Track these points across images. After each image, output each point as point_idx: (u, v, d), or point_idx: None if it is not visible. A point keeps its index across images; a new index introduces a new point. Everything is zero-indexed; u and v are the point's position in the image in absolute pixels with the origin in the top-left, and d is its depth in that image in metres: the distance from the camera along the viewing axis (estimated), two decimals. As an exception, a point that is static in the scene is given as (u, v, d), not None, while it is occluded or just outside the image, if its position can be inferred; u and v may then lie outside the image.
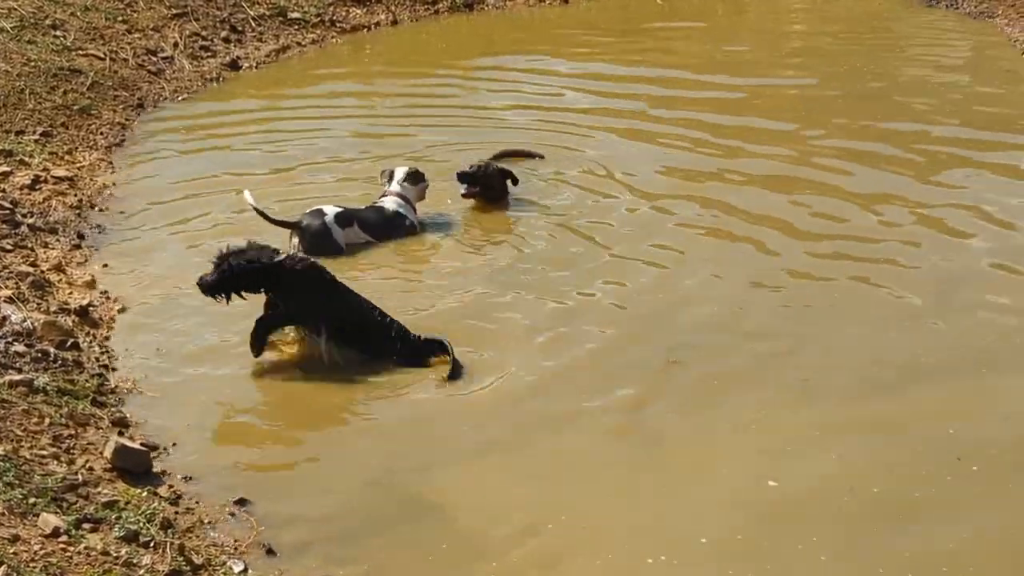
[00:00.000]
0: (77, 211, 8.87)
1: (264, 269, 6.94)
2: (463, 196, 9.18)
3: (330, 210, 8.43)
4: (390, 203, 8.72)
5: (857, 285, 7.94)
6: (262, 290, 7.02)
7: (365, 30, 14.54)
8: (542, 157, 10.25)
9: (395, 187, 8.78)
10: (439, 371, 6.89)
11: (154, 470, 5.89)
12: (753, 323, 7.49)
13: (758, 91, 12.38)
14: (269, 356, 7.02)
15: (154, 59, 12.40)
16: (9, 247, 7.89)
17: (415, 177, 8.87)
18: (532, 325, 7.43)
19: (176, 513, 5.56)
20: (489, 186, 9.18)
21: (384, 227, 8.62)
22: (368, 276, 8.11)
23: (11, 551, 4.81)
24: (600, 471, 6.05)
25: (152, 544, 5.21)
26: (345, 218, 8.46)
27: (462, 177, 9.13)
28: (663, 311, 7.65)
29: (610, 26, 15.00)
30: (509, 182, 9.28)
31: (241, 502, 5.70)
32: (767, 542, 5.48)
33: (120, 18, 12.76)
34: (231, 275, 6.93)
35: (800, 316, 7.59)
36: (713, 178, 9.81)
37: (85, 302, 7.47)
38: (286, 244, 8.26)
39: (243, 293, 7.04)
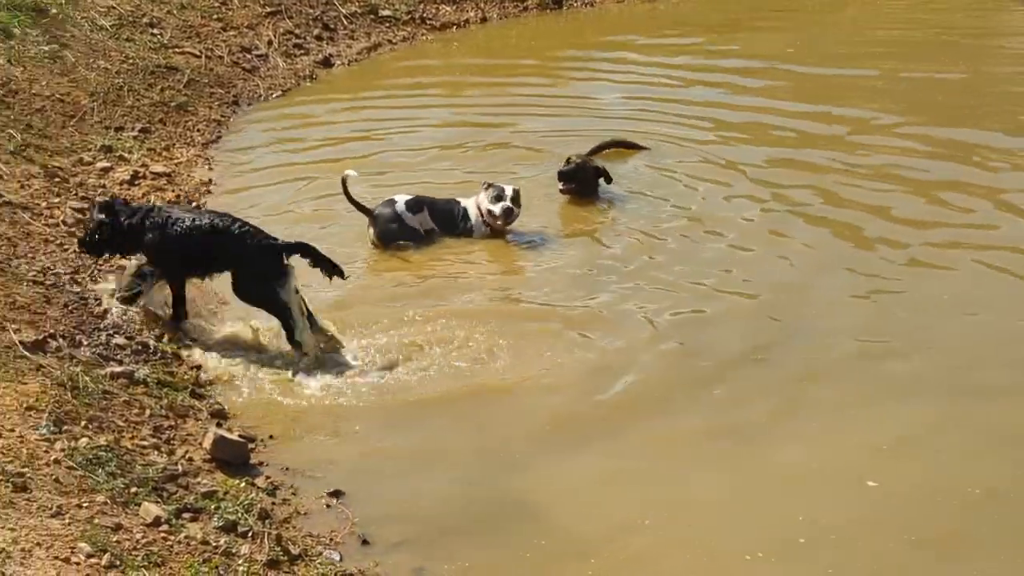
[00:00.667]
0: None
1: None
2: (560, 191, 9.37)
3: (401, 198, 8.63)
4: (465, 201, 8.85)
5: (964, 281, 7.84)
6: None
7: (454, 27, 14.60)
8: (648, 149, 10.34)
9: (480, 195, 8.83)
10: (532, 370, 6.87)
11: (251, 461, 5.95)
12: (855, 319, 7.39)
13: (855, 81, 12.31)
14: (363, 351, 7.04)
15: (249, 57, 12.55)
16: (110, 241, 8.01)
17: (491, 191, 8.83)
18: (626, 321, 7.40)
19: (273, 504, 5.61)
20: (585, 182, 9.34)
21: (448, 219, 8.75)
22: (467, 268, 8.24)
23: (114, 539, 4.88)
24: (694, 468, 6.00)
25: (250, 534, 5.26)
26: (416, 204, 8.63)
27: (562, 175, 9.32)
28: (762, 306, 7.58)
29: (701, 21, 14.95)
30: (602, 180, 9.40)
31: (336, 494, 5.74)
32: (866, 542, 5.38)
33: (215, 16, 12.94)
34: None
35: (903, 311, 7.49)
36: (819, 169, 9.79)
37: (184, 296, 7.57)
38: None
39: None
